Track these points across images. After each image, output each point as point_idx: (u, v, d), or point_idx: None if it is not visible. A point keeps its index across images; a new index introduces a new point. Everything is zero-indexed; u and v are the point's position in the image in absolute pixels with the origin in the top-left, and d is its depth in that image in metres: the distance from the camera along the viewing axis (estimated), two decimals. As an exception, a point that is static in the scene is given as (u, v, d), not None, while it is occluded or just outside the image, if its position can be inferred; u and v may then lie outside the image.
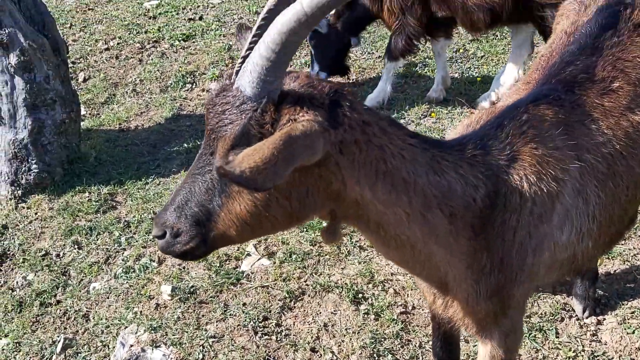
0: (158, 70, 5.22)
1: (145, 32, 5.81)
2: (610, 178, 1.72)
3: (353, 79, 4.97)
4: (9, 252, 3.37)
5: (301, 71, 1.40)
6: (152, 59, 5.39)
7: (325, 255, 3.06)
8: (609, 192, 1.73)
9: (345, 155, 1.32)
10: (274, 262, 3.03)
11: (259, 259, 3.08)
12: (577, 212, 1.66)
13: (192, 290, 2.91)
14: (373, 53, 5.29)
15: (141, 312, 2.85)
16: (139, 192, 3.73)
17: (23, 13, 3.58)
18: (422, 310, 2.73)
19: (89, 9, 6.48)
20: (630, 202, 1.84)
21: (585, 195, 1.67)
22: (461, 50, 5.20)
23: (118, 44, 5.68)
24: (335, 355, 2.56)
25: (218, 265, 3.06)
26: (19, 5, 3.58)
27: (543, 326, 2.61)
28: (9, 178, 3.66)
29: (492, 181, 1.51)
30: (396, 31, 4.22)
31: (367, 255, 3.04)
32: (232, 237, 1.43)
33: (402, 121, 4.25)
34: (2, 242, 3.43)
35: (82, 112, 4.44)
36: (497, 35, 5.39)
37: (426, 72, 4.95)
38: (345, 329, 2.66)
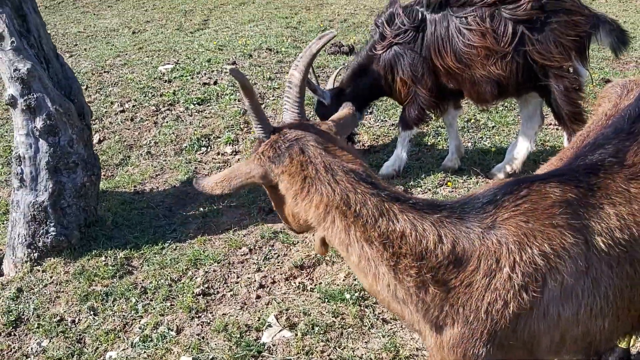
0: (173, 133, 5.29)
1: (161, 95, 5.92)
2: (627, 263, 1.72)
3: (367, 146, 5.05)
4: (23, 317, 3.30)
5: (303, 121, 1.85)
6: (167, 122, 5.48)
7: (348, 327, 3.01)
8: (626, 276, 1.72)
9: (282, 183, 1.75)
10: (296, 334, 2.98)
11: (280, 331, 3.03)
12: (583, 290, 1.67)
13: (212, 362, 2.84)
14: (386, 121, 5.40)
15: (160, 384, 2.77)
16: (155, 257, 3.70)
17: (51, 78, 3.66)
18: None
19: (104, 72, 6.63)
20: None
21: (593, 275, 1.67)
22: (472, 121, 5.31)
23: (133, 106, 5.78)
24: None
25: (238, 336, 3.00)
26: (48, 70, 3.66)
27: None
28: (26, 240, 3.64)
29: (453, 240, 1.62)
30: (408, 101, 4.32)
31: (391, 329, 2.99)
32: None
33: (418, 189, 4.29)
34: (17, 305, 3.36)
35: (99, 173, 4.46)
36: (506, 106, 5.52)
37: (439, 141, 5.03)
38: (372, 407, 2.58)
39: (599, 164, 1.81)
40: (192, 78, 6.28)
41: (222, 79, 6.26)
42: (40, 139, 3.60)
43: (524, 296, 1.61)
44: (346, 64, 4.73)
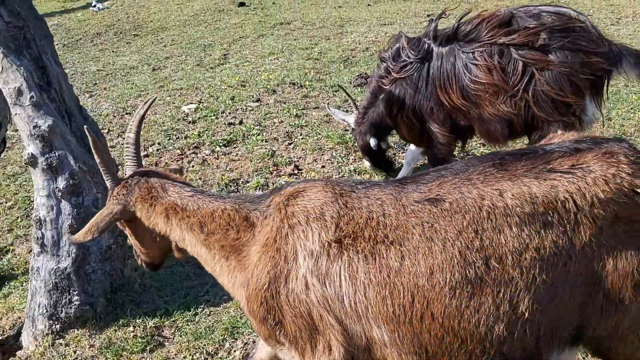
0: (200, 178, 5.00)
1: (185, 138, 5.67)
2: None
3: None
4: (45, 402, 2.99)
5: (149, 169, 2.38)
6: (193, 166, 5.20)
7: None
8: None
9: (137, 208, 2.23)
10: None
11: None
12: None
13: None
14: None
15: None
16: (188, 325, 3.37)
17: (74, 133, 3.39)
18: None
19: (126, 113, 6.41)
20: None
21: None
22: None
23: (157, 150, 5.52)
24: None
25: None
26: (71, 125, 3.40)
27: None
28: (47, 311, 3.33)
29: (245, 215, 2.12)
30: (426, 142, 4.15)
31: None
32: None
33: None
34: (38, 388, 3.05)
35: (124, 228, 4.17)
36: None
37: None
38: None
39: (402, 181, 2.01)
40: (216, 118, 6.02)
41: (247, 117, 5.99)
42: (63, 200, 3.32)
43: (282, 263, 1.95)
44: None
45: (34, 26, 3.40)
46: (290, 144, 5.35)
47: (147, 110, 2.33)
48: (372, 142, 4.49)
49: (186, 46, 9.95)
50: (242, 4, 12.88)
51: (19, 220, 4.79)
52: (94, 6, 13.87)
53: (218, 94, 6.72)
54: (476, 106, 3.75)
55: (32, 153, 3.26)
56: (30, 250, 4.42)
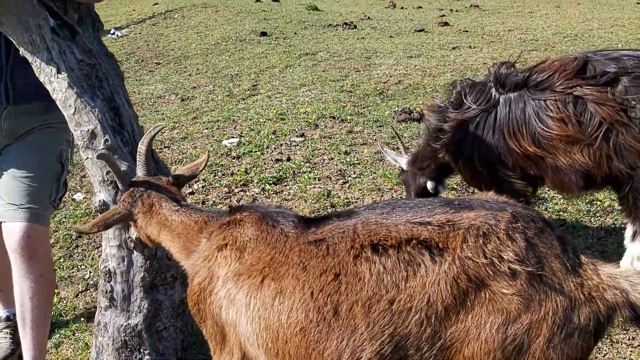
0: (251, 219, 4.76)
1: (232, 174, 5.44)
2: None
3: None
4: None
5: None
6: (242, 206, 4.96)
7: None
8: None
9: (139, 218, 2.48)
10: None
11: None
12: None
13: None
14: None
15: None
16: (268, 388, 3.09)
17: (146, 178, 3.16)
18: None
19: (165, 147, 6.20)
20: None
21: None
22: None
23: (203, 187, 5.29)
24: None
25: None
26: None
27: None
28: (115, 372, 3.06)
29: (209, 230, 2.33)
30: (496, 190, 3.85)
31: None
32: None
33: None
34: None
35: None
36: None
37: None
38: None
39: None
40: (262, 154, 5.81)
41: (294, 153, 5.78)
42: (135, 251, 3.07)
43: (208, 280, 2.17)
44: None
45: (106, 64, 3.21)
46: (345, 182, 5.12)
47: (154, 135, 2.64)
48: (430, 185, 4.26)
49: (212, 76, 9.80)
50: (264, 34, 12.80)
51: (61, 260, 4.54)
52: (113, 33, 13.79)
53: (258, 127, 6.52)
54: (550, 154, 3.51)
55: (104, 200, 3.02)
56: (77, 294, 4.16)
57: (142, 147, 2.65)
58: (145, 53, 12.14)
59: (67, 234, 4.82)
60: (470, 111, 3.69)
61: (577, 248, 1.85)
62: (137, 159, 2.68)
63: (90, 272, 4.29)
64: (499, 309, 1.71)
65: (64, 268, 4.43)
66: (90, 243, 4.66)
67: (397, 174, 5.15)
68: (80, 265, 4.41)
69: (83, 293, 4.08)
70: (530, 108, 3.51)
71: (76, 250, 4.59)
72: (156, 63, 11.28)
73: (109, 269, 3.09)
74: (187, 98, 8.55)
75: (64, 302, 4.07)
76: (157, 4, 18.84)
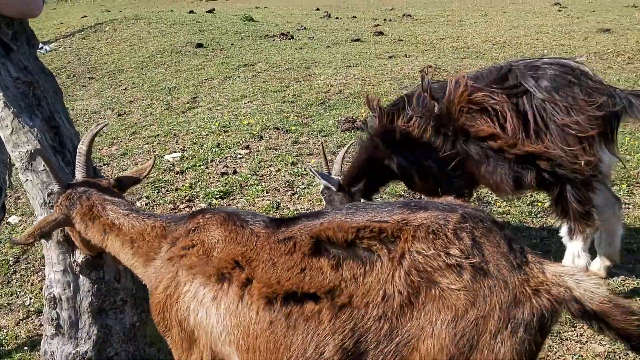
0: (199, 234, 4.66)
1: (176, 190, 5.32)
2: None
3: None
4: None
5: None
6: (189, 222, 4.85)
7: None
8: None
9: (76, 221, 2.45)
10: None
11: None
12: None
13: None
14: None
15: None
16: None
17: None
18: None
19: (104, 164, 5.99)
20: None
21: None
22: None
23: (146, 204, 5.15)
24: None
25: None
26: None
27: None
28: (65, 404, 2.91)
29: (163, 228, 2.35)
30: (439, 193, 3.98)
31: None
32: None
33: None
34: None
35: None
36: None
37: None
38: None
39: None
40: (206, 167, 5.71)
41: (240, 166, 5.72)
42: (81, 276, 2.93)
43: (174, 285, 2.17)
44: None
45: (43, 81, 3.07)
46: (293, 194, 5.11)
47: (98, 132, 2.60)
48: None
49: (149, 89, 9.57)
50: (200, 45, 12.63)
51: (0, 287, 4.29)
52: (41, 48, 13.22)
53: (201, 140, 6.42)
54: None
55: (46, 224, 2.88)
56: (18, 322, 3.95)
57: (82, 147, 2.55)
58: (76, 67, 11.72)
59: (3, 259, 4.56)
60: (410, 117, 3.78)
61: (525, 248, 1.92)
62: (77, 159, 2.56)
63: (30, 299, 4.07)
64: (448, 305, 1.77)
65: (2, 295, 4.18)
66: (29, 268, 4.43)
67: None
68: (20, 292, 4.18)
69: (24, 321, 3.86)
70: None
71: (14, 276, 4.34)
72: (89, 77, 10.90)
73: (54, 295, 2.94)
74: (124, 113, 8.30)
75: (4, 331, 3.83)
76: (85, 16, 18.25)
